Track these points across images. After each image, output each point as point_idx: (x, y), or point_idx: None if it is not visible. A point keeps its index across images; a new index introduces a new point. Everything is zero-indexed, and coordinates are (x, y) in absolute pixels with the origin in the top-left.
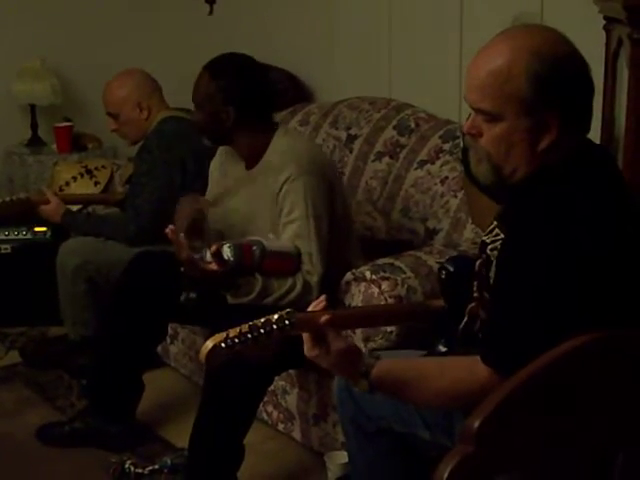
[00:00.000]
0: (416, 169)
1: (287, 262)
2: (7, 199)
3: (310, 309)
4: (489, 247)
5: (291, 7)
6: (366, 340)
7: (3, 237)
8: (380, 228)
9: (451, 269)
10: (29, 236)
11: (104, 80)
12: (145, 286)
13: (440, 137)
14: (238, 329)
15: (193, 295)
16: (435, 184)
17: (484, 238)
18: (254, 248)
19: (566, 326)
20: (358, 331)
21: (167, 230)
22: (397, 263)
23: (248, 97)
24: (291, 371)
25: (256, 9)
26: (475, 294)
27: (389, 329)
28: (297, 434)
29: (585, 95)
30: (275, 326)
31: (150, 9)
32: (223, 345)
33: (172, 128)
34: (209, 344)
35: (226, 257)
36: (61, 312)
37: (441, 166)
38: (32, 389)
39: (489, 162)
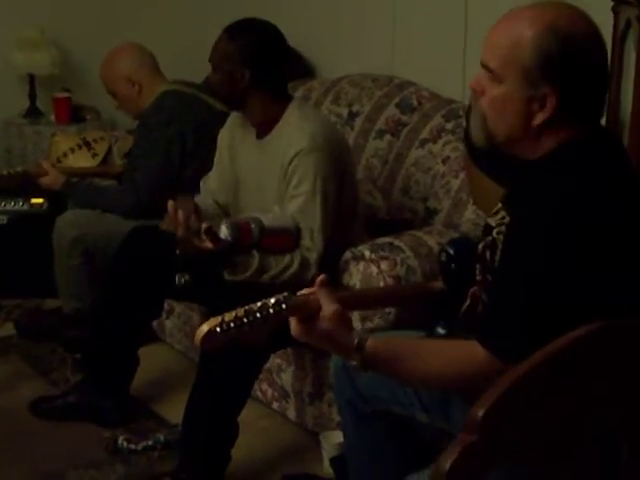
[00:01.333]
0: (417, 148)
1: (285, 239)
2: (4, 172)
3: (305, 292)
4: (495, 230)
5: None
6: (363, 320)
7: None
8: (380, 207)
9: (451, 252)
10: (25, 207)
11: (104, 51)
12: (142, 261)
13: (443, 116)
14: (234, 313)
15: (187, 277)
16: (436, 164)
17: (489, 221)
18: (252, 226)
19: (565, 312)
20: (355, 312)
21: (169, 205)
22: (396, 242)
23: (265, 61)
24: (287, 349)
25: None
26: (478, 277)
27: (387, 310)
28: (292, 413)
29: (592, 83)
30: (272, 310)
31: None
32: (218, 330)
33: (171, 102)
34: (204, 328)
35: (224, 236)
36: (57, 285)
37: (443, 145)
38: (26, 362)
39: (483, 124)
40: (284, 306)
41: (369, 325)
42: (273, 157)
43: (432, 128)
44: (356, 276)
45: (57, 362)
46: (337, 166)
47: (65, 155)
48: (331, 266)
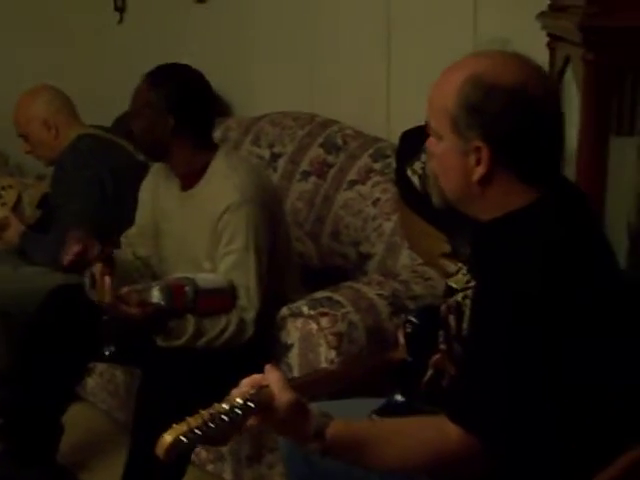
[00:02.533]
0: (346, 190)
1: (222, 300)
2: None
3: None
4: (460, 294)
5: (206, 15)
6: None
7: None
8: (311, 254)
9: (417, 322)
10: None
11: (7, 94)
12: (64, 322)
13: (370, 156)
14: (199, 418)
15: (112, 349)
16: (367, 206)
17: (450, 282)
18: (186, 288)
19: (545, 382)
20: (296, 370)
21: (93, 272)
22: (336, 297)
23: (188, 108)
24: None
25: (168, 17)
26: (442, 345)
27: (330, 367)
28: (228, 475)
29: (532, 137)
30: (240, 411)
31: (55, 19)
32: (184, 440)
33: (87, 146)
34: (168, 438)
35: (156, 300)
36: None
37: (372, 187)
38: None
39: (436, 183)
40: (252, 405)
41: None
42: (200, 211)
43: (360, 169)
44: (294, 334)
45: None
46: (269, 217)
47: None
48: (267, 323)
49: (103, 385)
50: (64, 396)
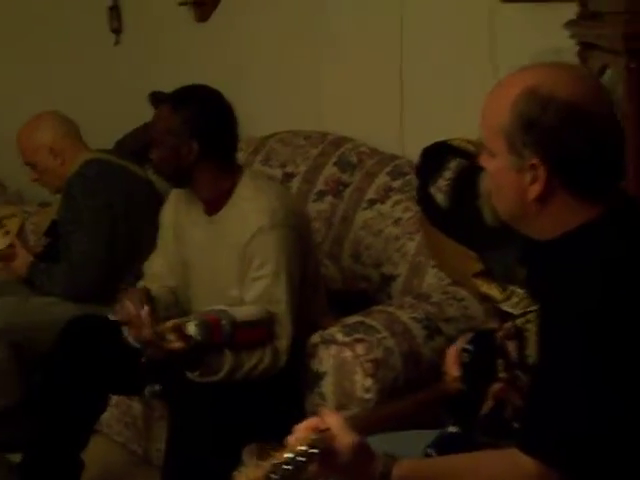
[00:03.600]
0: (365, 209)
1: (260, 331)
2: None
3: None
4: (520, 320)
5: (208, 34)
6: (339, 409)
7: None
8: (331, 276)
9: (474, 350)
10: None
11: (1, 119)
12: (83, 354)
13: (388, 174)
14: (261, 471)
15: (157, 388)
16: (387, 225)
17: (504, 307)
18: (223, 322)
19: (621, 408)
20: (330, 399)
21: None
22: (369, 321)
23: (213, 131)
24: None
25: (167, 37)
26: (502, 374)
27: (366, 395)
28: None
29: (589, 152)
30: (303, 459)
31: (51, 40)
32: None
33: (94, 171)
34: None
35: (192, 335)
36: None
37: (393, 206)
38: None
39: (489, 202)
40: (316, 450)
41: (345, 413)
42: (228, 236)
43: (378, 187)
44: (328, 362)
45: None
46: (300, 240)
47: None
48: (296, 351)
49: (119, 417)
50: (84, 431)
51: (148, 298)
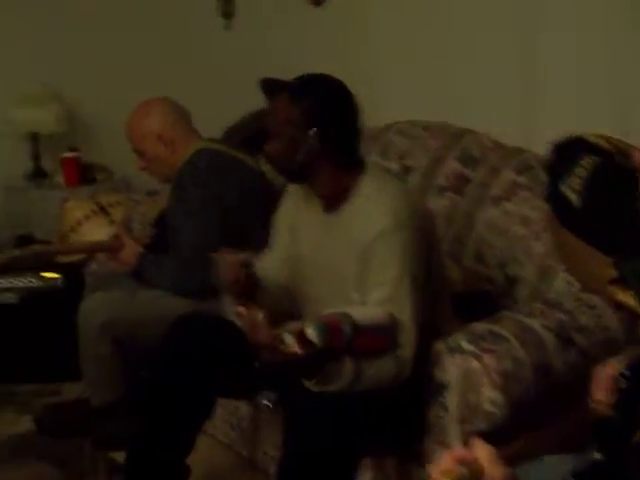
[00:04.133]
0: (489, 207)
1: (382, 337)
2: (73, 245)
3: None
4: None
5: (324, 18)
6: (462, 422)
7: (8, 285)
8: (453, 277)
9: (632, 376)
10: (38, 283)
11: (110, 105)
12: (191, 356)
13: (514, 169)
14: None
15: (272, 397)
16: (514, 225)
17: None
18: (344, 326)
19: None
20: (452, 411)
21: (239, 311)
22: (497, 329)
23: (334, 123)
24: (367, 457)
25: (280, 21)
26: None
27: (493, 409)
28: None
29: None
30: None
31: (159, 26)
32: None
33: (206, 161)
34: None
35: (312, 340)
36: (82, 375)
37: (519, 203)
38: (50, 464)
39: None
40: None
41: (469, 427)
42: (348, 235)
43: (503, 183)
44: (452, 372)
45: (88, 464)
46: (424, 242)
47: (79, 223)
48: (420, 358)
49: (225, 417)
50: (191, 435)
51: (248, 269)
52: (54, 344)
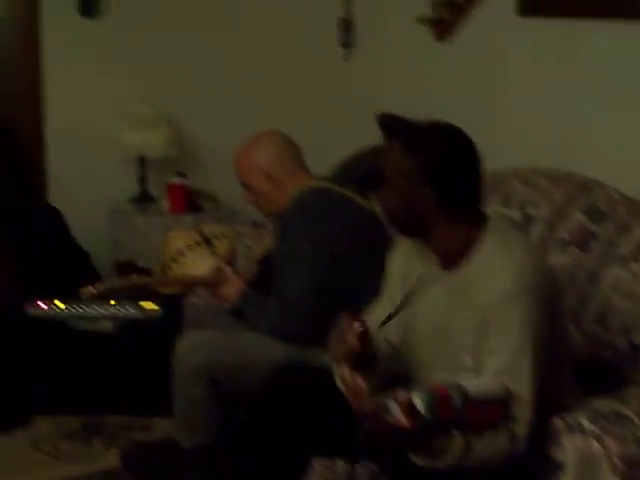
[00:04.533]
0: (615, 267)
1: (495, 410)
2: (176, 277)
3: None
4: None
5: (450, 54)
6: None
7: (105, 313)
8: (575, 341)
9: None
10: (136, 313)
11: (221, 132)
12: (289, 411)
13: None
14: None
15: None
16: None
17: None
18: (453, 397)
19: None
20: None
21: (344, 376)
22: (623, 410)
23: (452, 177)
24: None
25: (400, 54)
26: None
27: None
28: None
29: None
30: None
31: (277, 54)
32: None
33: (315, 201)
34: None
35: (420, 412)
36: (174, 414)
37: None
38: None
39: None
40: None
41: None
42: (466, 295)
43: (633, 242)
44: (570, 452)
45: None
46: (548, 306)
47: (182, 253)
48: (536, 433)
49: (320, 472)
50: None
51: (366, 338)
52: (147, 377)
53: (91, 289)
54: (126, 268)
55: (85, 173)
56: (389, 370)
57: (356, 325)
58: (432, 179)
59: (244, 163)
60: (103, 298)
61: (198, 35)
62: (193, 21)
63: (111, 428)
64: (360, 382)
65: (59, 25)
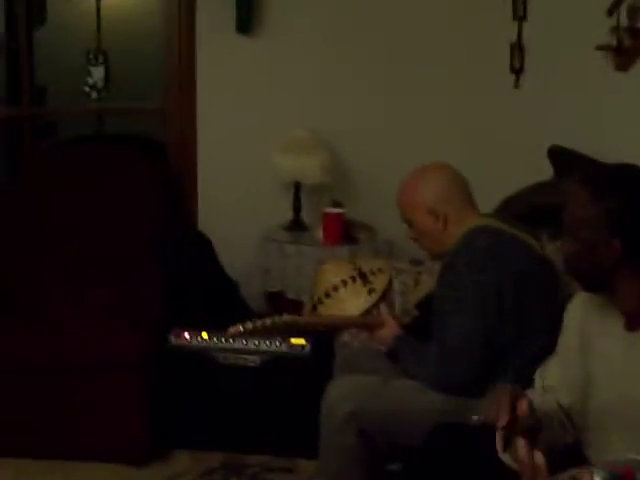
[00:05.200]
0: None
1: None
2: (330, 318)
3: None
4: None
5: (628, 85)
6: None
7: (251, 347)
8: None
9: None
10: (283, 348)
11: (379, 161)
12: (449, 473)
13: None
14: None
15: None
16: None
17: None
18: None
19: None
20: None
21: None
22: None
23: None
24: None
25: (575, 83)
26: None
27: None
28: None
29: None
30: None
31: (442, 79)
32: None
33: (484, 242)
34: None
35: None
36: (320, 461)
37: None
38: None
39: None
40: None
41: None
42: None
43: None
44: None
45: None
46: None
47: (336, 289)
48: None
49: None
50: None
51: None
52: (292, 415)
53: (239, 328)
54: (276, 299)
55: (236, 197)
56: (555, 438)
57: (528, 395)
58: (620, 229)
59: (408, 198)
60: (251, 336)
61: (359, 57)
62: (353, 44)
63: (252, 468)
64: (539, 458)
65: (214, 42)
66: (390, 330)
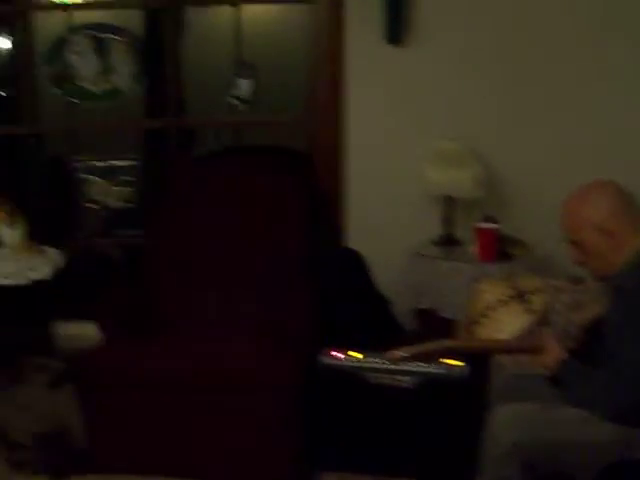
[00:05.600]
0: None
1: None
2: (491, 343)
3: None
4: None
5: None
6: None
7: (405, 367)
8: None
9: None
10: (439, 370)
11: (535, 174)
12: None
13: None
14: None
15: None
16: None
17: None
18: None
19: None
20: None
21: None
22: None
23: None
24: None
25: None
26: None
27: None
28: None
29: None
30: None
31: (605, 88)
32: None
33: None
34: None
35: None
36: None
37: None
38: None
39: None
40: None
41: None
42: None
43: None
44: None
45: None
46: None
47: (493, 308)
48: None
49: None
50: None
51: None
52: (446, 440)
53: (399, 353)
54: (426, 317)
55: (386, 212)
56: None
57: None
58: None
59: (574, 218)
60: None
61: (515, 67)
62: (509, 52)
63: None
64: None
65: (365, 53)
66: (554, 354)
